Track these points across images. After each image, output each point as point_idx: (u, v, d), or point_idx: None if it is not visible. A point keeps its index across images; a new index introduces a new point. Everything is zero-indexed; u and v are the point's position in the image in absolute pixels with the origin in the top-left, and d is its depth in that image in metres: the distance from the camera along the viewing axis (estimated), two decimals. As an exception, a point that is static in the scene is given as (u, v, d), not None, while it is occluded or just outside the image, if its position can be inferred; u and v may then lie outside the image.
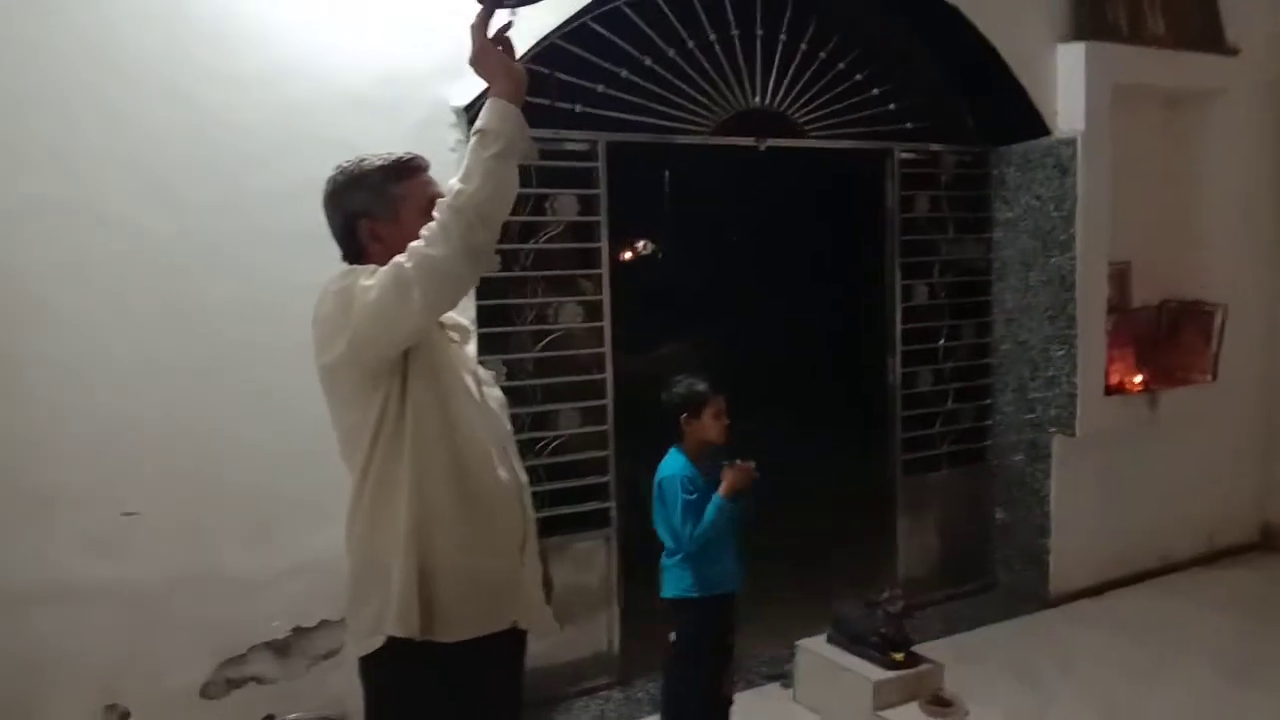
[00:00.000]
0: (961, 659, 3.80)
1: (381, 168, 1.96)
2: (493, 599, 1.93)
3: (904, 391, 4.57)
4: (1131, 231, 4.75)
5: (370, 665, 1.92)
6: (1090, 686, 3.81)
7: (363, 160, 1.98)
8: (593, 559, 3.82)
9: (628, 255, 7.84)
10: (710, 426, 2.98)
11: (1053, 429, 4.56)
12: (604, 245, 3.79)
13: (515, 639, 2.02)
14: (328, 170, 2.02)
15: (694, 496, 2.92)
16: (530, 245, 3.69)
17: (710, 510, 2.89)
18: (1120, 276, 4.81)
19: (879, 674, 3.42)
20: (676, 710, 3.07)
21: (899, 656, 3.45)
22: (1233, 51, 4.90)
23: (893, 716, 3.33)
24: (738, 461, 2.94)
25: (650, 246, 8.29)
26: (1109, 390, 4.65)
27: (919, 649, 3.55)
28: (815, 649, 3.68)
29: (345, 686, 2.98)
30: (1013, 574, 4.77)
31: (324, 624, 3.17)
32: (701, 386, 2.99)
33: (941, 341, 4.69)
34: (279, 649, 3.15)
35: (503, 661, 2.01)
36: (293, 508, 3.07)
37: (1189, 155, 5.07)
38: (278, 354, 2.77)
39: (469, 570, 1.89)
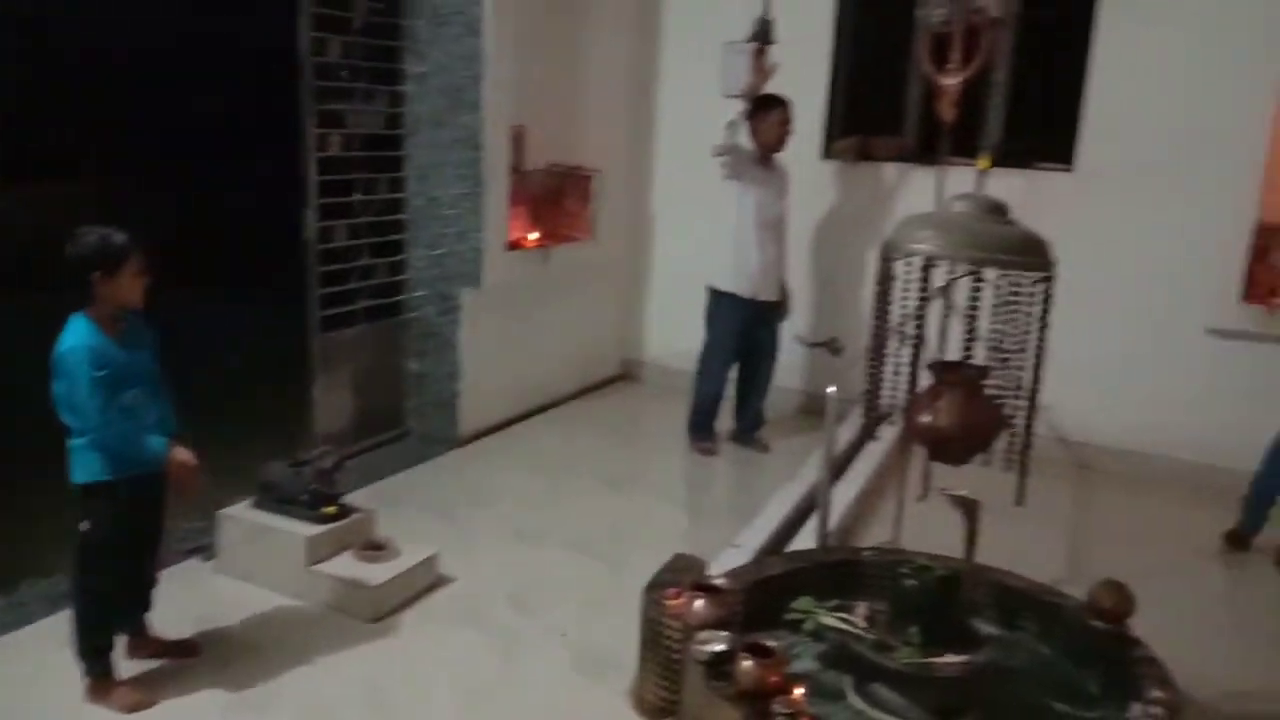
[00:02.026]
0: (386, 505, 3.95)
1: None
2: None
3: (320, 247, 4.44)
4: (527, 97, 5.10)
5: None
6: (499, 511, 4.24)
7: None
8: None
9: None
10: (129, 287, 2.58)
11: (462, 282, 4.83)
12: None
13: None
14: None
15: (104, 372, 2.53)
16: None
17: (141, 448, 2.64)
18: (518, 139, 5.16)
19: (311, 530, 3.41)
20: (90, 606, 2.72)
21: (331, 510, 3.48)
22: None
23: (327, 568, 3.37)
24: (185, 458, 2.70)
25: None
26: (510, 246, 5.04)
27: (347, 500, 3.61)
28: (240, 516, 3.53)
29: None
30: (425, 420, 5.02)
31: None
32: (120, 239, 2.55)
33: (356, 196, 4.62)
34: None
35: None
36: None
37: (574, 30, 5.57)
38: None
39: None
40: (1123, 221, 4.82)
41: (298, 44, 4.22)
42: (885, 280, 2.32)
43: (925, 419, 2.27)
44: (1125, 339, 4.87)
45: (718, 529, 4.02)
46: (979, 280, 2.27)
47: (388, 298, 4.87)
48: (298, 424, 4.53)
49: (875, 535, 3.71)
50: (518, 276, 5.11)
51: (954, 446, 2.27)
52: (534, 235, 5.28)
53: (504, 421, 5.26)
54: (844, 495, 4.08)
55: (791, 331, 5.16)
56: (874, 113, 5.48)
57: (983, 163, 3.85)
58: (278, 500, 3.52)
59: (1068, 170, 4.96)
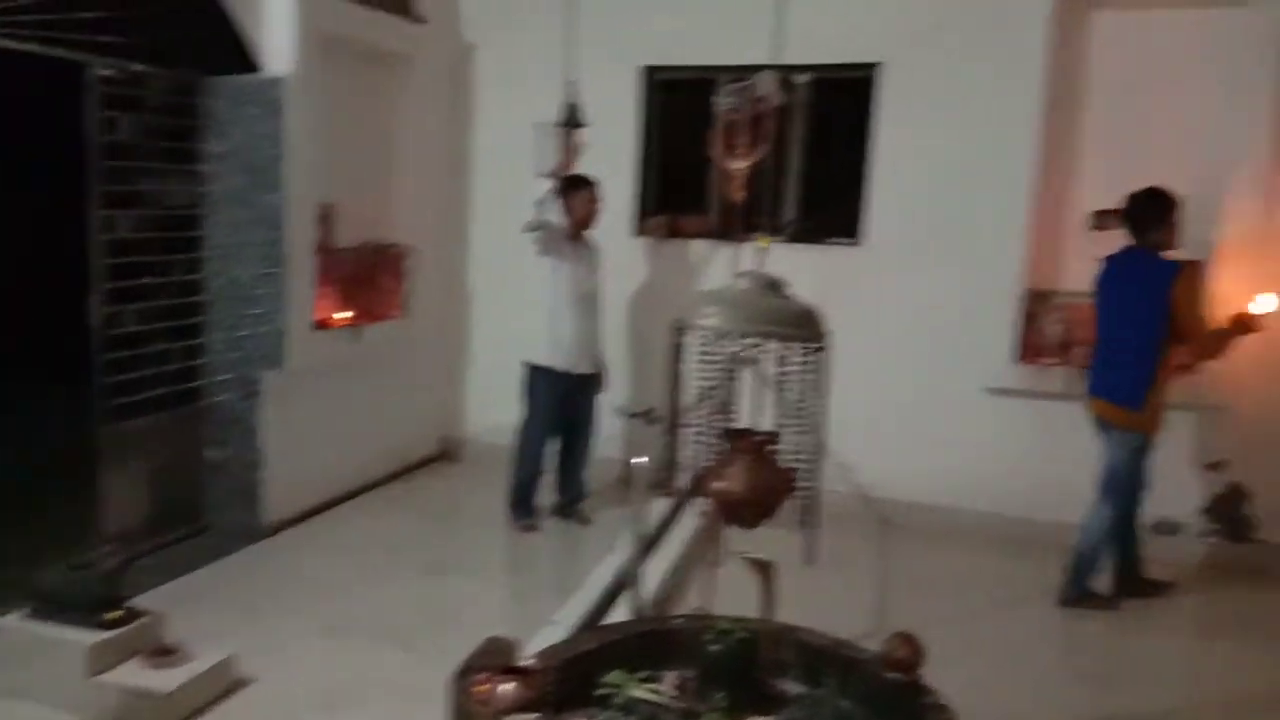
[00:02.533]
0: (182, 605, 3.71)
1: None
2: None
3: (108, 333, 4.19)
4: (336, 175, 5.05)
5: None
6: (307, 605, 4.05)
7: None
8: None
9: None
10: None
11: (264, 365, 4.66)
12: None
13: None
14: None
15: None
16: None
17: None
18: (327, 217, 5.08)
19: (93, 638, 3.16)
20: None
21: (116, 615, 3.23)
22: (421, 20, 5.49)
23: (111, 678, 3.12)
24: None
25: None
26: (317, 326, 4.91)
27: (136, 603, 3.37)
28: (13, 627, 3.23)
29: None
30: (227, 512, 4.76)
31: None
32: None
33: (149, 278, 4.40)
34: None
35: None
36: None
37: (386, 110, 5.58)
38: None
39: None
40: (908, 291, 5.19)
41: (84, 122, 4.04)
42: (678, 354, 2.41)
43: (718, 485, 2.34)
44: (916, 399, 5.21)
45: (540, 607, 3.95)
46: (764, 351, 2.39)
47: (185, 383, 4.63)
48: (82, 523, 4.20)
49: (691, 602, 3.75)
50: (326, 357, 4.97)
51: (746, 511, 2.35)
52: (344, 314, 5.16)
53: (314, 509, 5.06)
54: (660, 563, 4.12)
55: (611, 403, 5.23)
56: (681, 192, 5.71)
57: (762, 242, 4.15)
58: (56, 607, 3.24)
59: (856, 245, 5.31)
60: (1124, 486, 4.24)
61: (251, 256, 4.61)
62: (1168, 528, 4.79)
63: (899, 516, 5.26)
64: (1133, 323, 4.14)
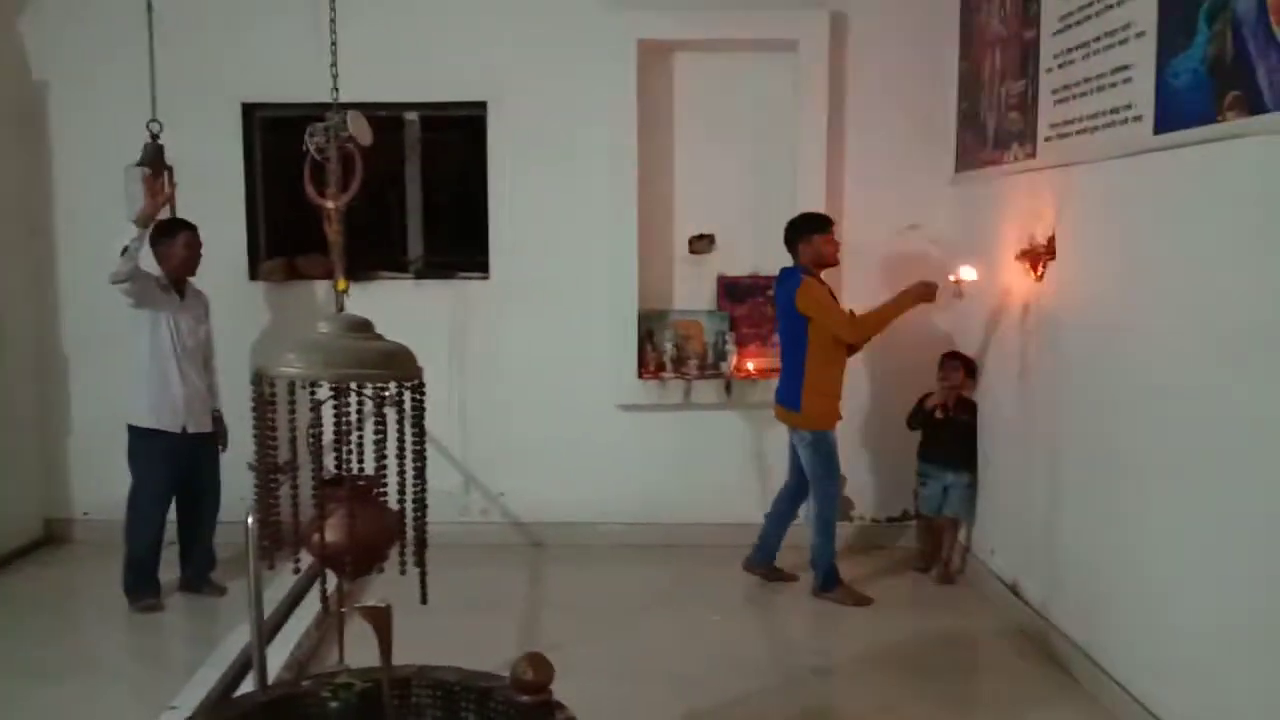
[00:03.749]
0: None
1: None
2: None
3: None
4: None
5: None
6: None
7: None
8: None
9: None
10: None
11: None
12: None
13: None
14: None
15: None
16: None
17: None
18: None
19: None
20: None
21: None
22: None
23: None
24: None
25: None
26: None
27: None
28: None
29: None
30: None
31: None
32: None
33: None
34: None
35: None
36: None
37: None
38: None
39: None
40: (538, 322, 5.36)
41: None
42: (263, 404, 2.31)
43: (317, 537, 2.27)
44: (558, 423, 5.37)
45: (167, 693, 3.62)
46: (360, 395, 2.35)
47: None
48: None
49: (331, 658, 3.61)
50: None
51: (348, 561, 2.30)
52: (-104, 394, 4.42)
53: None
54: (302, 622, 3.95)
55: (240, 459, 4.89)
56: (300, 233, 5.49)
57: (341, 284, 4.18)
58: None
59: (486, 279, 5.40)
60: (820, 478, 4.66)
61: None
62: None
63: (555, 537, 5.42)
64: (783, 334, 4.72)
